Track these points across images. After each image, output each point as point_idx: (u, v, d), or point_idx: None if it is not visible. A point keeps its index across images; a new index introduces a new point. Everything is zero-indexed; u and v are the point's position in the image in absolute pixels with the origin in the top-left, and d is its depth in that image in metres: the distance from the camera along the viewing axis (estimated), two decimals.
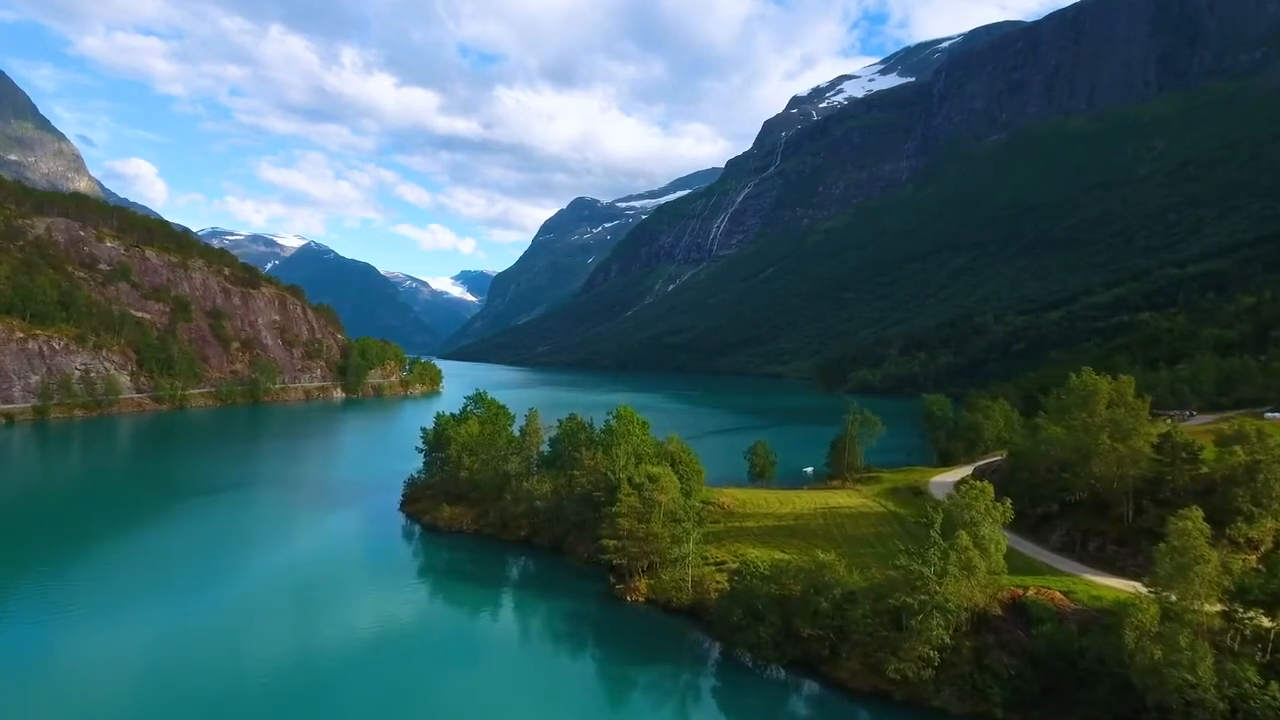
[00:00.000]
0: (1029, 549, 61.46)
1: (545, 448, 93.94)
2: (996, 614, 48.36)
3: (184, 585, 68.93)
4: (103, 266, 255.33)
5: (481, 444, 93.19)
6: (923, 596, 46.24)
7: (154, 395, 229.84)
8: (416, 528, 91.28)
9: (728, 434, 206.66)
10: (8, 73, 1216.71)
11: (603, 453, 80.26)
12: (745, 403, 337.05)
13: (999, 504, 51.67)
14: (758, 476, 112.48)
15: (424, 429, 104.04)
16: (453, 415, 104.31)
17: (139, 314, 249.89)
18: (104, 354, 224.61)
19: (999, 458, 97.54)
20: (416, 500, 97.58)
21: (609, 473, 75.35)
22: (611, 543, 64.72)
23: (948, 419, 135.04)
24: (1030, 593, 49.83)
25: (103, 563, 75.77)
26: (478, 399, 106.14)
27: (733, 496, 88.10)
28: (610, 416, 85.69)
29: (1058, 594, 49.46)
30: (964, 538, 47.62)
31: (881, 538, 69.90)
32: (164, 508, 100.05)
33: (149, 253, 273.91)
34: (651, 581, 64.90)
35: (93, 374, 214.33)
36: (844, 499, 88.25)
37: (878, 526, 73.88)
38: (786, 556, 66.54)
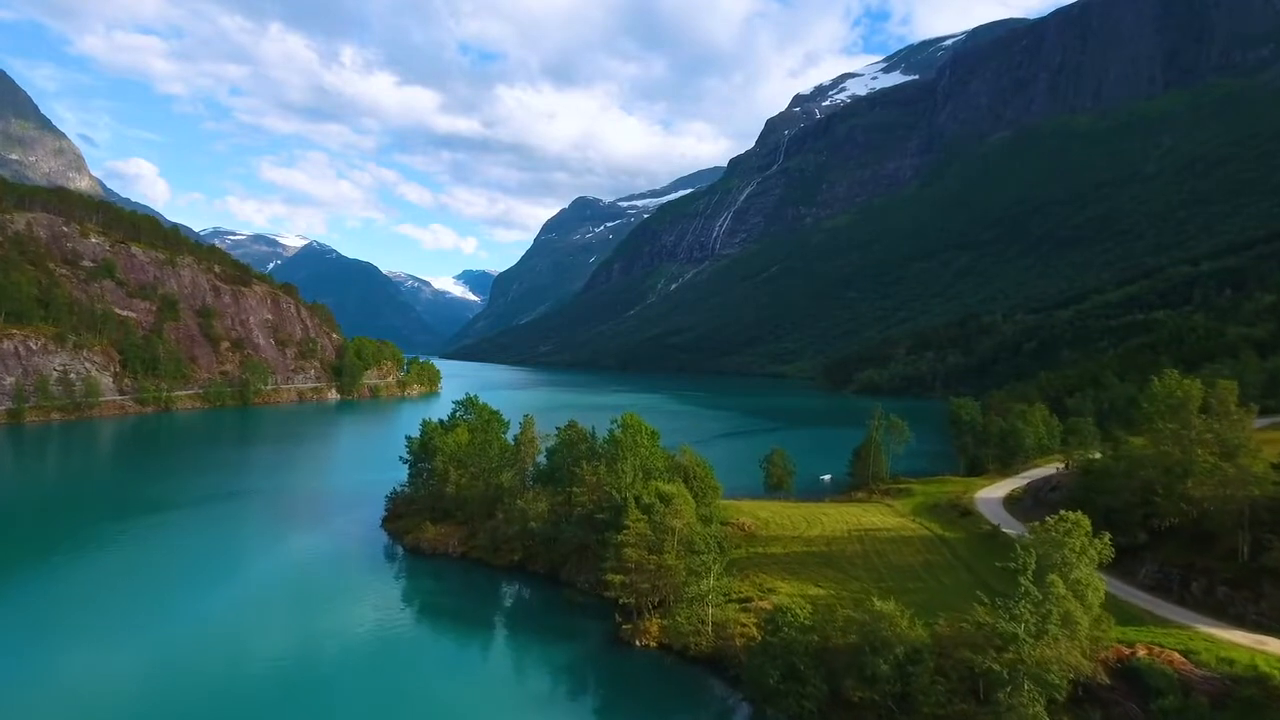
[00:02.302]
0: (1116, 588, 51.14)
1: (541, 459, 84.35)
2: (1102, 681, 38.75)
3: (119, 617, 59.45)
4: (86, 263, 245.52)
5: (470, 455, 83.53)
6: (1012, 657, 36.72)
7: (137, 397, 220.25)
8: (399, 548, 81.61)
9: (735, 438, 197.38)
10: (9, 72, 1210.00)
11: (606, 467, 70.63)
12: (750, 404, 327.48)
13: (1098, 539, 42.03)
14: (775, 487, 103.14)
15: (408, 437, 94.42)
16: (440, 422, 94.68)
17: (124, 312, 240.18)
18: (85, 354, 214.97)
19: (1053, 470, 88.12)
20: (399, 517, 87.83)
21: (613, 491, 65.76)
22: (617, 578, 54.88)
23: (976, 424, 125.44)
24: (1141, 652, 40.22)
25: (25, 596, 66.22)
26: (468, 404, 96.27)
27: (752, 515, 78.28)
28: (614, 424, 75.70)
29: (1176, 654, 39.83)
30: (1059, 584, 38.04)
31: (931, 569, 60.30)
32: (116, 525, 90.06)
33: (135, 249, 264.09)
34: (664, 622, 55.04)
35: (72, 375, 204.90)
36: (878, 517, 78.54)
37: (924, 554, 64.21)
38: (822, 592, 57.16)
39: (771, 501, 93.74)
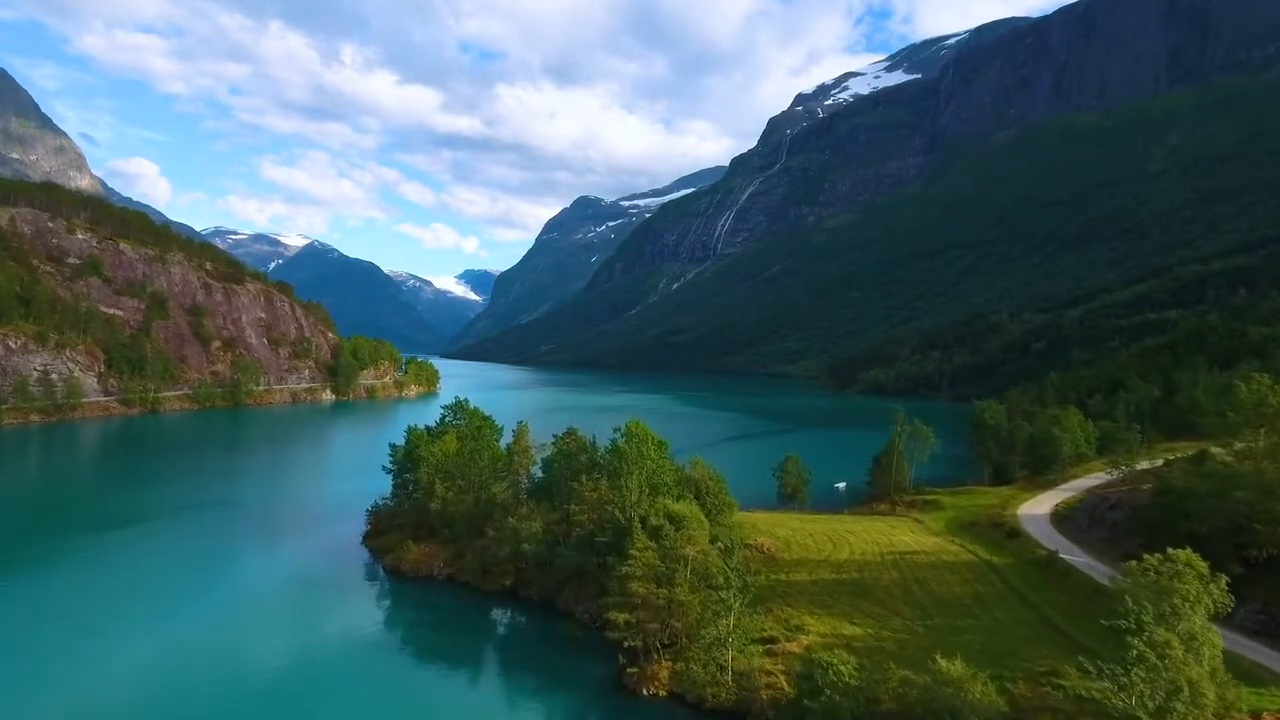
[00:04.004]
0: None
1: (537, 469, 76.57)
2: None
3: (52, 644, 51.93)
4: (72, 260, 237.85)
5: (459, 465, 75.83)
6: None
7: (122, 398, 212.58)
8: (379, 569, 74.06)
9: (741, 441, 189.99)
10: (9, 71, 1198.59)
11: (608, 482, 62.96)
12: (754, 404, 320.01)
13: (1213, 583, 34.40)
14: (789, 498, 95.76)
15: (393, 445, 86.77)
16: (427, 428, 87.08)
17: (110, 311, 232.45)
18: (67, 353, 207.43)
19: (1096, 481, 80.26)
20: (381, 533, 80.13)
21: (616, 510, 58.17)
22: (620, 616, 47.10)
23: (1001, 428, 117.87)
24: None
25: None
26: (457, 408, 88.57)
27: (770, 533, 70.54)
28: (618, 432, 67.69)
29: None
30: (1174, 644, 30.53)
31: (983, 602, 52.64)
32: (74, 540, 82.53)
33: (124, 246, 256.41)
34: (676, 666, 47.39)
35: (53, 375, 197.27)
36: (910, 536, 70.84)
37: (972, 583, 56.49)
38: (859, 630, 49.53)
39: (788, 515, 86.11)
